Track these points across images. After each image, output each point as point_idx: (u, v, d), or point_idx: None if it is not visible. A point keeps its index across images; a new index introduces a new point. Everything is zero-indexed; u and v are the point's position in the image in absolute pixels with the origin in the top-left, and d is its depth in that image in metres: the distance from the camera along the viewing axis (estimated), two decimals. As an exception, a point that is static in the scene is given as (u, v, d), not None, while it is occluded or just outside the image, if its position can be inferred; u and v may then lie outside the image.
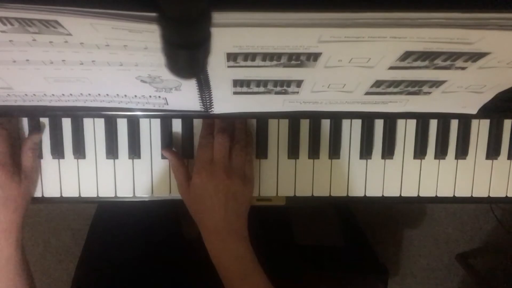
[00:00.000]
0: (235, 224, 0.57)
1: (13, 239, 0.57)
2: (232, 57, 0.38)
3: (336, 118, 0.63)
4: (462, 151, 0.64)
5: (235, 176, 0.57)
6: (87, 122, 0.62)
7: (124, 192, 0.63)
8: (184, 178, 0.60)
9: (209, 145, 0.58)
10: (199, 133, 0.61)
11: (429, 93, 0.48)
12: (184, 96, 0.50)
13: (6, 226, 0.56)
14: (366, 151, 0.63)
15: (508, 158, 0.65)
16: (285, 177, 0.64)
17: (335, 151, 0.63)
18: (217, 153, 0.57)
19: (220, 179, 0.57)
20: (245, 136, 0.61)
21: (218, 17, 0.29)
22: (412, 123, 0.64)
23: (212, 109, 0.54)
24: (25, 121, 0.61)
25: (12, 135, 0.60)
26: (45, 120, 0.61)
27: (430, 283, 1.55)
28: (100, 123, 0.62)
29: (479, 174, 0.65)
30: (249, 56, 0.37)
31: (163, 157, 0.62)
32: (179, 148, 0.63)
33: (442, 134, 0.64)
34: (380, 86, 0.46)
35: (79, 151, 0.62)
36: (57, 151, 0.61)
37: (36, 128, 0.61)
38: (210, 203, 0.57)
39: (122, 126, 0.62)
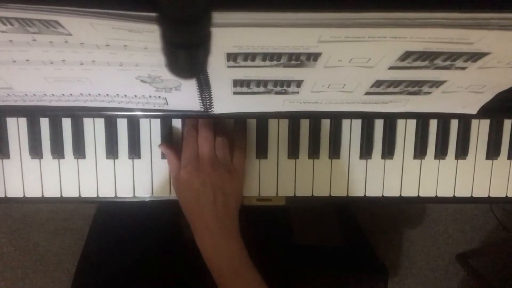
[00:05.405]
0: (224, 220, 0.57)
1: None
2: (232, 57, 0.38)
3: (336, 118, 0.63)
4: (462, 151, 0.64)
5: (221, 169, 0.57)
6: (87, 122, 0.62)
7: (124, 192, 0.63)
8: (177, 170, 0.59)
9: (194, 139, 0.58)
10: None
11: (429, 93, 0.48)
12: (184, 96, 0.50)
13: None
14: (366, 151, 0.63)
15: (508, 158, 0.65)
16: (285, 177, 0.64)
17: (335, 151, 0.63)
18: (202, 147, 0.57)
19: (206, 173, 0.56)
20: (230, 128, 0.61)
21: (218, 17, 0.29)
22: (412, 123, 0.64)
23: (212, 109, 0.54)
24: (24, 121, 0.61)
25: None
26: (45, 120, 0.61)
27: (430, 283, 1.55)
28: (100, 123, 0.62)
29: (479, 174, 0.65)
30: (249, 56, 0.37)
31: (163, 157, 0.62)
32: (179, 148, 0.63)
33: (442, 134, 0.64)
34: (380, 86, 0.46)
35: (79, 151, 0.62)
36: (57, 151, 0.61)
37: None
38: (198, 198, 0.56)
39: (122, 126, 0.62)
